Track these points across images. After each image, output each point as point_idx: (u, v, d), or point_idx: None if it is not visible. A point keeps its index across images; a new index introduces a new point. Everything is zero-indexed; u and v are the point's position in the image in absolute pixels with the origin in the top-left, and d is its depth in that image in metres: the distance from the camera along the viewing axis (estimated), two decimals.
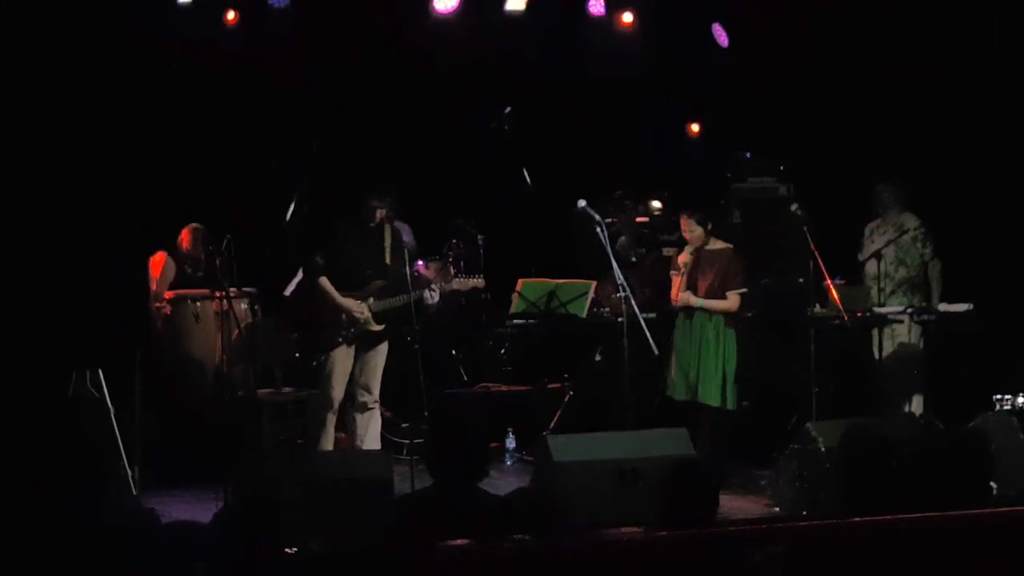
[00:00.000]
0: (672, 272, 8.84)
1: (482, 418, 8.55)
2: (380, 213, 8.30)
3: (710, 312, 8.63)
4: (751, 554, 4.20)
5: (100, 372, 6.70)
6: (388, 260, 8.36)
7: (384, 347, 8.39)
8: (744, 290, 8.68)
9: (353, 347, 8.26)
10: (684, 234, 8.78)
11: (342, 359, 8.22)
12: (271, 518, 4.49)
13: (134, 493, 6.33)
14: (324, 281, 8.18)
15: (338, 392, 8.24)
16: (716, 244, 8.76)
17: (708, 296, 8.63)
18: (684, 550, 4.24)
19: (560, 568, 4.08)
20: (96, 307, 6.52)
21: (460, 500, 4.68)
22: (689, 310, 8.69)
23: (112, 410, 6.73)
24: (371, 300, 8.24)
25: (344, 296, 8.19)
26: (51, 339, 6.32)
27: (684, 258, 8.72)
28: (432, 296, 8.41)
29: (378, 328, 8.29)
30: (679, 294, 8.70)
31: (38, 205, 6.64)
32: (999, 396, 7.77)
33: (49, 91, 7.86)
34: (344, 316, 8.17)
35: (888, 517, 4.44)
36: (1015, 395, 7.81)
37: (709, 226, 8.71)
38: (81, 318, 6.46)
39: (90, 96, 8.50)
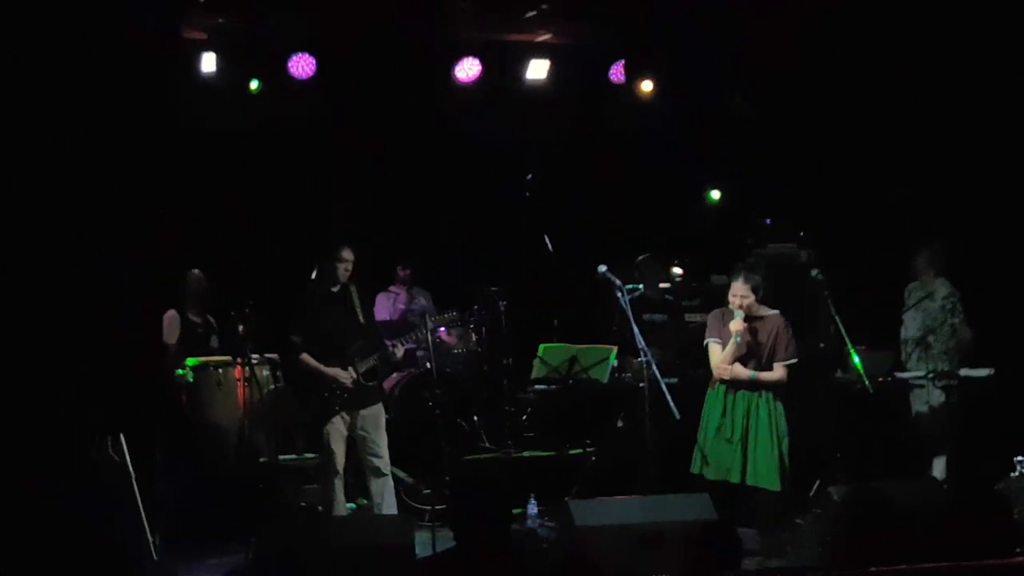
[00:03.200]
0: (712, 341, 8.20)
1: (505, 481, 8.52)
2: (350, 268, 8.25)
3: (760, 387, 8.06)
4: None
5: (122, 437, 6.74)
6: (362, 319, 8.38)
7: (380, 407, 8.40)
8: (794, 360, 8.09)
9: (348, 411, 8.26)
10: (734, 301, 8.04)
11: (338, 424, 8.23)
12: None
13: (155, 558, 6.33)
14: (306, 357, 8.21)
15: (340, 456, 8.23)
16: (764, 311, 8.16)
17: (758, 368, 8.08)
18: None
19: None
20: (114, 370, 6.57)
21: (483, 559, 4.68)
22: (736, 384, 8.10)
23: (134, 475, 6.75)
24: (356, 361, 8.26)
25: (328, 365, 8.21)
26: (73, 405, 6.36)
27: (738, 326, 7.98)
28: (397, 352, 8.40)
29: (369, 385, 8.30)
30: (723, 365, 8.05)
31: (56, 267, 6.70)
32: (1020, 458, 7.73)
33: (72, 163, 7.97)
34: (333, 384, 8.18)
35: (905, 567, 4.43)
36: None
37: (759, 293, 8.09)
38: (100, 382, 6.50)
39: (112, 169, 8.64)
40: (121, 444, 6.70)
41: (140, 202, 8.86)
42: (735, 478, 8.03)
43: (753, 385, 8.06)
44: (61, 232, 7.08)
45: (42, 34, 7.56)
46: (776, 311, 8.16)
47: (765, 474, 7.99)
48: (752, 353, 8.07)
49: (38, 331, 6.43)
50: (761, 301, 8.11)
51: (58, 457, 6.50)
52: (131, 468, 6.74)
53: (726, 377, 8.08)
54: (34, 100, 7.19)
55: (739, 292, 8.02)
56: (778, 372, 8.05)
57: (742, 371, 8.04)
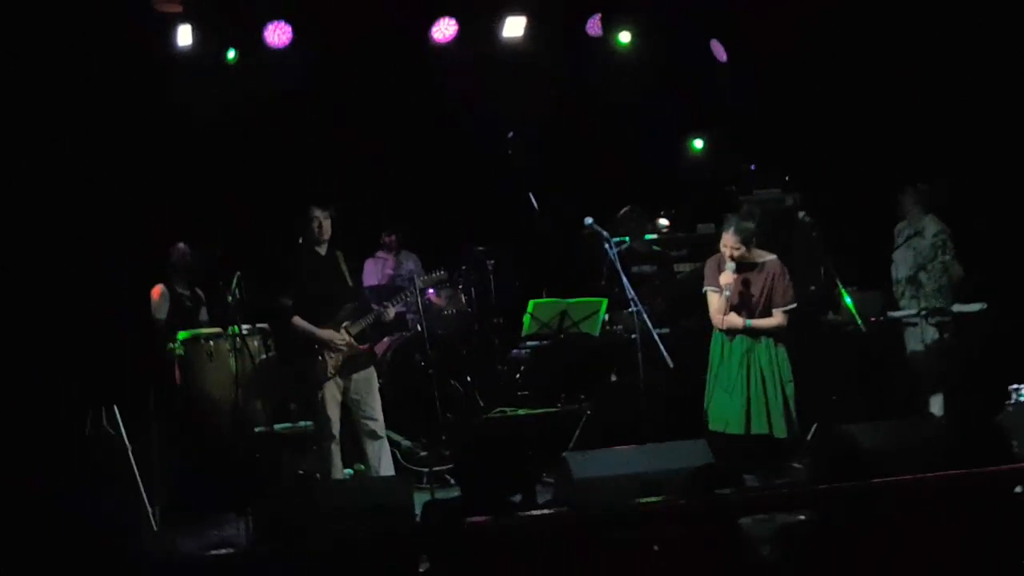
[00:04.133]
0: (710, 289, 8.09)
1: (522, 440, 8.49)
2: (325, 225, 8.19)
3: (759, 334, 7.96)
4: None
5: (116, 410, 6.71)
6: (350, 282, 8.35)
7: (372, 370, 8.37)
8: (793, 305, 7.98)
9: (340, 375, 8.23)
10: (724, 252, 7.96)
11: (332, 389, 8.20)
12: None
13: (154, 528, 6.31)
14: (298, 320, 8.14)
15: (335, 421, 8.20)
16: (760, 256, 8.05)
17: (753, 316, 7.99)
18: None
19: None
20: (105, 343, 6.53)
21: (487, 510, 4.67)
22: (732, 332, 8.02)
23: (130, 447, 6.73)
24: (347, 324, 8.23)
25: (321, 328, 8.18)
26: (65, 378, 6.32)
27: (727, 279, 7.91)
28: (388, 314, 8.34)
29: (362, 348, 8.27)
30: (719, 316, 7.98)
31: (47, 244, 6.67)
32: (1016, 386, 7.73)
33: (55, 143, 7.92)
34: (327, 348, 8.14)
35: (909, 477, 4.43)
36: None
37: (754, 240, 7.97)
38: (92, 355, 6.47)
39: (95, 145, 8.58)
40: (116, 417, 6.67)
41: (126, 179, 8.85)
42: (735, 429, 7.95)
43: (751, 332, 7.98)
44: (50, 218, 7.05)
45: (31, 30, 7.52)
46: (773, 256, 8.06)
47: (770, 422, 7.92)
48: (746, 302, 8.01)
49: (28, 307, 6.40)
50: (760, 246, 8.02)
51: (52, 443, 6.47)
52: (127, 441, 6.71)
53: (722, 327, 8.03)
54: (20, 91, 7.15)
55: (729, 243, 7.93)
56: (776, 318, 7.98)
57: (736, 320, 7.97)
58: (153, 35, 9.66)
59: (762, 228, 8.04)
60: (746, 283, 8.00)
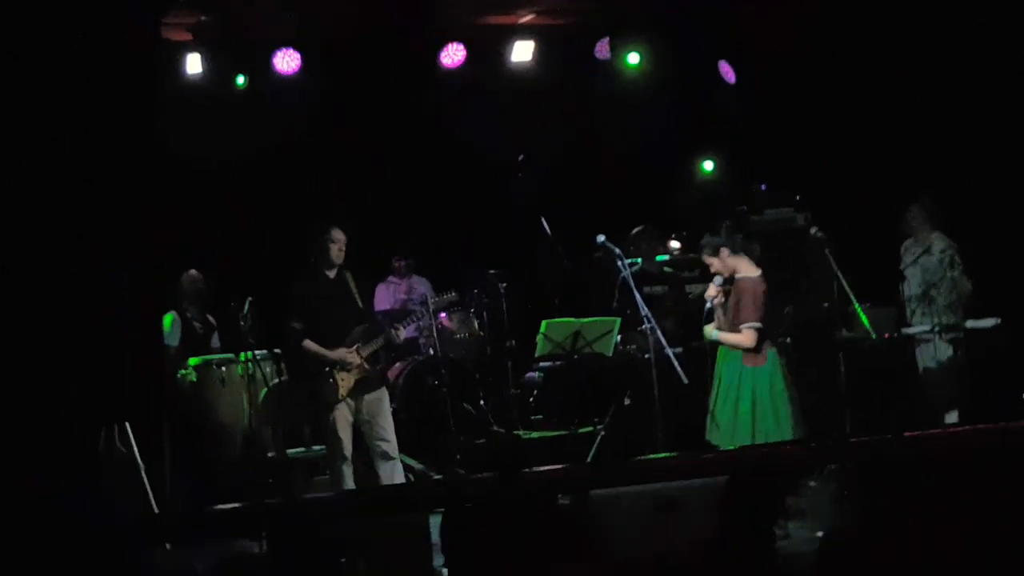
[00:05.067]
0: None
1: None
2: (342, 248, 8.17)
3: (728, 347, 8.04)
4: None
5: (129, 429, 6.70)
6: (360, 304, 8.34)
7: (385, 391, 8.34)
8: (754, 324, 7.93)
9: (352, 397, 8.21)
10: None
11: (343, 410, 8.16)
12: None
13: (167, 547, 6.28)
14: (309, 343, 8.10)
15: (347, 443, 8.15)
16: (741, 271, 8.09)
17: (729, 329, 8.05)
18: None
19: None
20: (118, 363, 6.52)
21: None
22: (713, 345, 8.17)
23: (143, 467, 6.71)
24: (359, 346, 8.20)
25: (332, 350, 8.15)
26: (77, 396, 6.31)
27: (709, 292, 8.14)
28: (399, 335, 8.32)
29: (374, 371, 8.25)
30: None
31: (59, 260, 6.65)
32: None
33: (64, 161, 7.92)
34: (337, 369, 8.13)
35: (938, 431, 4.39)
36: None
37: (723, 254, 8.06)
38: (105, 374, 6.45)
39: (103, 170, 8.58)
40: (128, 435, 6.65)
41: (137, 201, 8.83)
42: (707, 436, 8.04)
43: (722, 344, 8.08)
44: (58, 230, 7.04)
45: (36, 34, 7.52)
46: (752, 274, 8.07)
47: (718, 433, 7.99)
48: (724, 315, 8.09)
49: (37, 329, 6.38)
50: (773, 264, 8.12)
51: (58, 456, 6.44)
52: (140, 459, 6.69)
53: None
54: (30, 100, 7.14)
55: (705, 262, 8.19)
56: (738, 335, 7.95)
57: (708, 331, 8.10)
58: (162, 59, 9.67)
59: (733, 241, 8.09)
60: (726, 296, 8.11)
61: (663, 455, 7.52)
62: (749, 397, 7.95)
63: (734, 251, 8.08)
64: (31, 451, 6.00)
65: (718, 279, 8.09)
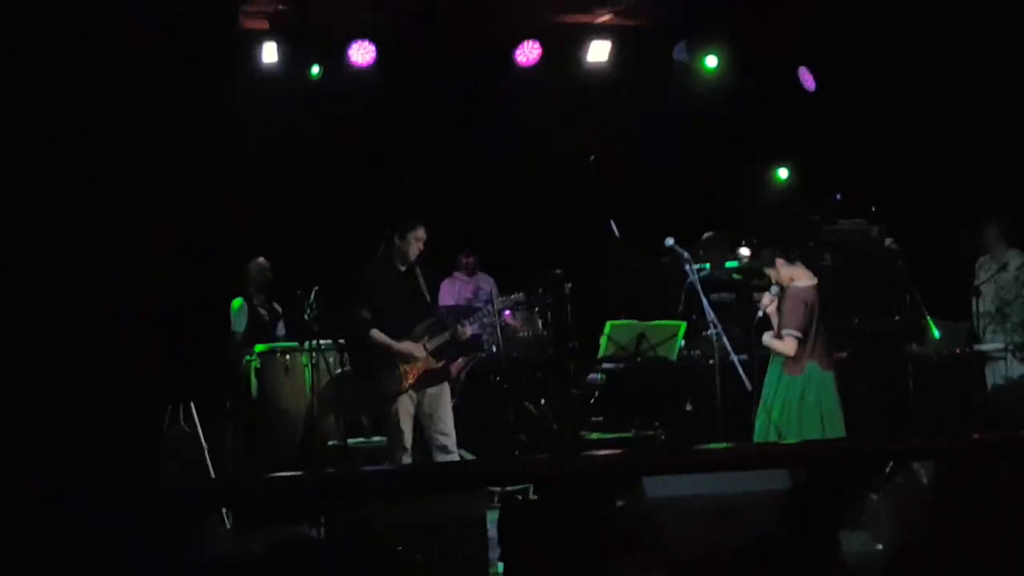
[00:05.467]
0: None
1: None
2: (420, 247, 8.20)
3: (775, 354, 8.08)
4: None
5: (193, 408, 6.73)
6: (428, 298, 8.32)
7: (446, 386, 8.34)
8: (795, 333, 7.94)
9: (415, 389, 8.20)
10: None
11: (405, 402, 8.17)
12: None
13: (227, 527, 6.32)
14: (376, 333, 8.12)
15: (407, 435, 8.16)
16: (793, 280, 8.11)
17: (775, 337, 8.08)
18: None
19: None
20: (185, 345, 6.56)
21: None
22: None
23: (206, 447, 6.74)
24: (426, 339, 8.20)
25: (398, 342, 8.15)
26: (147, 374, 6.35)
27: (765, 299, 8.24)
28: (464, 332, 8.34)
29: (438, 365, 8.24)
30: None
31: (131, 249, 6.72)
32: None
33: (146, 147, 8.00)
34: (402, 361, 8.11)
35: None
36: None
37: (779, 264, 8.12)
38: (172, 354, 6.49)
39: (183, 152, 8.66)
40: (192, 415, 6.69)
41: (205, 187, 8.89)
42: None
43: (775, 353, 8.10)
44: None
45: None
46: (805, 284, 8.07)
47: (754, 436, 8.02)
48: (776, 323, 8.13)
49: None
50: (827, 273, 8.24)
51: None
52: (203, 440, 6.72)
53: None
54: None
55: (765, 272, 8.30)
56: (779, 342, 8.00)
57: (765, 337, 8.11)
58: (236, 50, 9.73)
59: (790, 252, 8.16)
60: (779, 304, 8.14)
61: (720, 445, 7.46)
62: (780, 406, 7.99)
63: (790, 261, 8.10)
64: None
65: (774, 288, 8.15)
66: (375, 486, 4.02)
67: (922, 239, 9.81)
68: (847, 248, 9.89)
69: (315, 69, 10.30)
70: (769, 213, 10.82)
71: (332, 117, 10.28)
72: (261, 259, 9.85)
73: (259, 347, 9.43)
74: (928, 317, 8.40)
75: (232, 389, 8.53)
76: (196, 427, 6.67)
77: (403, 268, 8.25)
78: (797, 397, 7.94)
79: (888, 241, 8.80)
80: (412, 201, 9.86)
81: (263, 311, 9.80)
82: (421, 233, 8.19)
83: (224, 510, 6.35)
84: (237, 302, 9.61)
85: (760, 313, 8.21)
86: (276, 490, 3.69)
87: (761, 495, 6.62)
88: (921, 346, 8.72)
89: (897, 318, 8.79)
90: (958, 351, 8.70)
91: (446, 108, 10.77)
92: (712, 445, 7.21)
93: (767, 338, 8.12)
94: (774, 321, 8.15)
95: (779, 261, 8.12)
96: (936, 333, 8.35)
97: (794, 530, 5.12)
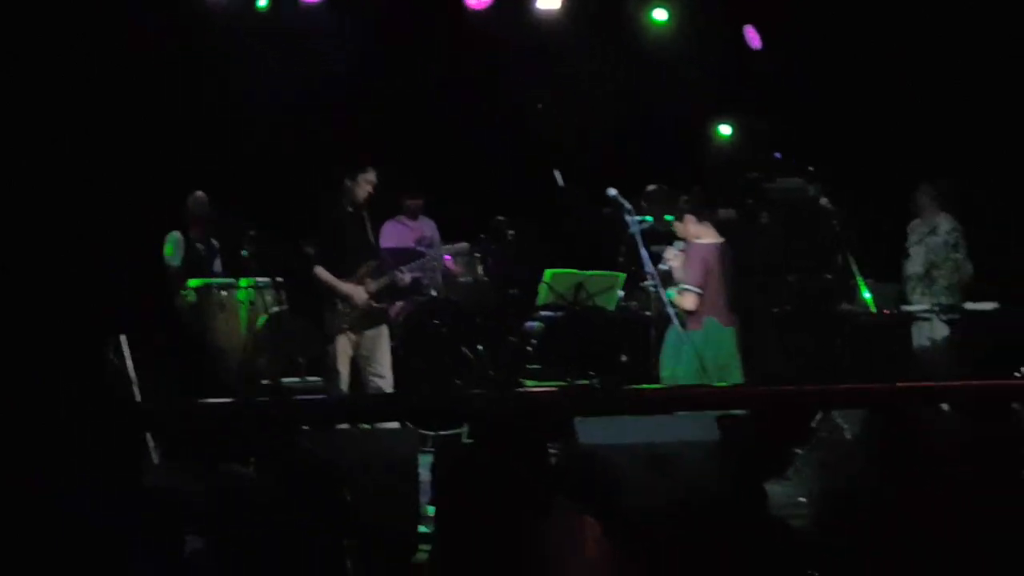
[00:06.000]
0: None
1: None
2: (370, 191, 8.22)
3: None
4: None
5: (123, 341, 6.70)
6: (372, 240, 8.35)
7: (385, 328, 8.38)
8: (694, 288, 8.11)
9: (354, 331, 8.23)
10: None
11: (344, 343, 8.20)
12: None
13: (155, 462, 6.32)
14: (321, 270, 8.17)
15: (344, 376, 8.20)
16: (700, 239, 8.32)
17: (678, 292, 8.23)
18: None
19: None
20: (115, 276, 6.52)
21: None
22: None
23: (135, 381, 6.72)
24: (367, 282, 8.23)
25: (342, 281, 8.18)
26: (74, 307, 6.30)
27: (667, 254, 8.40)
28: (404, 278, 8.45)
29: (378, 307, 8.27)
30: None
31: (64, 182, 6.66)
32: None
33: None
34: (343, 301, 8.14)
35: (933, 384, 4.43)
36: None
37: (687, 220, 8.31)
38: (101, 287, 6.45)
39: (120, 86, 8.56)
40: (122, 348, 6.66)
41: (146, 123, 8.81)
42: None
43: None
44: (70, 154, 7.04)
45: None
46: (705, 241, 8.25)
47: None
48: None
49: (38, 237, 6.38)
50: (723, 229, 8.32)
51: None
52: (132, 373, 6.70)
53: None
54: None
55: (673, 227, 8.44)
56: (680, 297, 8.17)
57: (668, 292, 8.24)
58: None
59: (699, 209, 8.35)
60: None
61: (653, 386, 7.58)
62: (681, 359, 8.12)
63: (699, 220, 8.26)
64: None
65: (679, 243, 8.30)
66: (306, 415, 4.05)
67: (859, 200, 9.93)
68: (785, 205, 10.02)
69: (261, 2, 10.20)
70: (709, 168, 10.90)
71: (281, 53, 10.21)
72: (200, 193, 9.76)
73: (193, 282, 9.37)
74: (859, 277, 8.54)
75: (164, 324, 8.49)
76: (125, 359, 6.64)
77: (351, 210, 8.26)
78: (693, 353, 8.07)
79: (823, 201, 8.92)
80: (363, 143, 9.83)
81: (200, 246, 9.72)
82: (372, 176, 8.21)
83: (152, 444, 6.36)
84: (173, 236, 9.53)
85: (663, 267, 8.33)
86: (206, 415, 3.71)
87: (692, 445, 6.74)
88: (851, 305, 8.85)
89: (829, 277, 8.92)
90: (887, 312, 8.85)
91: (395, 50, 10.72)
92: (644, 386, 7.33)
93: (669, 293, 8.21)
94: (676, 276, 8.28)
95: (688, 217, 8.29)
96: (866, 293, 8.49)
97: (723, 481, 5.23)
